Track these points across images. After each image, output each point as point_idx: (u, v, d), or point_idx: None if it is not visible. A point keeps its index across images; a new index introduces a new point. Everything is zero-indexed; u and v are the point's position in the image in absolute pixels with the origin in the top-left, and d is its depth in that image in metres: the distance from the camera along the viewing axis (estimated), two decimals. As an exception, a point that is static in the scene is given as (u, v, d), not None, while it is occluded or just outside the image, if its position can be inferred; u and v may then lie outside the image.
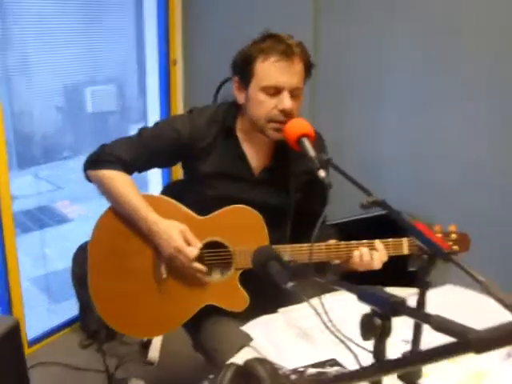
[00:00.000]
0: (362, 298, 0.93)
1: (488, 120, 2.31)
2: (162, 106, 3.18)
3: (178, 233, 1.50)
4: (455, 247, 1.51)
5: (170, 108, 3.17)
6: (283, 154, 1.61)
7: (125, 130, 3.39)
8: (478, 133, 2.34)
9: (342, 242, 1.51)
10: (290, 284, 1.08)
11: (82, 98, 3.01)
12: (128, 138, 1.65)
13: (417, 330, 1.04)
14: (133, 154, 1.59)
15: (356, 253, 1.49)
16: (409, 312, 0.86)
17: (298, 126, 1.42)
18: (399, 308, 0.87)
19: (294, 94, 1.49)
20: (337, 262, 1.52)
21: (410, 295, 1.49)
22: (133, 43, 3.19)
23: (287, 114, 1.48)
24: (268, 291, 1.34)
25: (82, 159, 1.66)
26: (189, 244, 1.51)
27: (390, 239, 1.52)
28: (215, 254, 1.57)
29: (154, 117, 3.22)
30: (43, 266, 2.94)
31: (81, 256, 2.54)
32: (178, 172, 3.06)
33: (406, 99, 2.49)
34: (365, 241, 1.51)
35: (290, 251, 1.51)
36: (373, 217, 2.30)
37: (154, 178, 3.23)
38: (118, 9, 3.06)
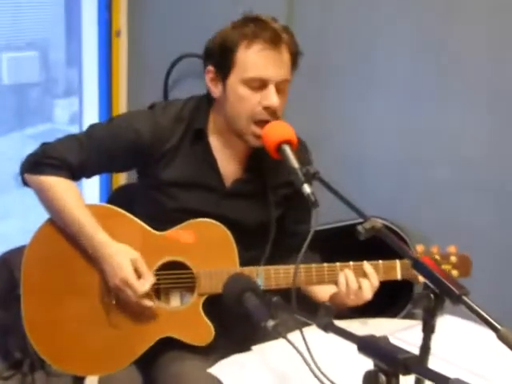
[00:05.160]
0: (364, 350, 0.85)
1: (479, 120, 2.22)
2: (100, 83, 2.89)
3: (129, 262, 1.36)
4: (454, 272, 1.40)
5: (111, 86, 2.88)
6: (260, 160, 1.47)
7: (49, 106, 3.13)
8: (469, 133, 2.23)
9: (325, 264, 1.40)
10: (270, 323, 0.98)
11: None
12: (74, 136, 1.47)
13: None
14: (81, 157, 1.43)
15: (342, 279, 1.37)
16: (423, 372, 0.79)
17: (279, 131, 1.30)
18: (412, 367, 0.80)
19: (281, 87, 1.36)
20: (327, 303, 1.43)
21: (404, 329, 1.40)
22: (62, 2, 2.92)
23: (272, 112, 1.35)
24: (237, 321, 1.24)
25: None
26: (139, 276, 1.37)
27: (380, 261, 1.41)
28: (175, 276, 1.42)
29: (90, 94, 2.93)
30: None
31: (-1, 270, 2.31)
32: (118, 176, 2.79)
33: (394, 91, 2.31)
34: (351, 263, 1.40)
35: (264, 274, 1.39)
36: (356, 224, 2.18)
37: (90, 181, 2.86)
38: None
